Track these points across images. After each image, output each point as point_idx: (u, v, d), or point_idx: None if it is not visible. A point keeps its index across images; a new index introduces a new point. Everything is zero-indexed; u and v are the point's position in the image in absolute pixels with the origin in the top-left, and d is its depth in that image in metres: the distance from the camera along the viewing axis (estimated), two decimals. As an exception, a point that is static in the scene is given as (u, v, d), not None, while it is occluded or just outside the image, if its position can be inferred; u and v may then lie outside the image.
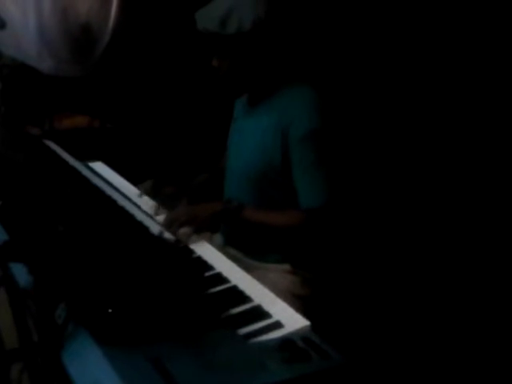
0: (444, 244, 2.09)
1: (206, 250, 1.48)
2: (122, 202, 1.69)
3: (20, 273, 1.18)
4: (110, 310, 0.95)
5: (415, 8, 2.07)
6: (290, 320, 1.14)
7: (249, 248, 1.73)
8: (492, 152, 1.96)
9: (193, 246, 1.49)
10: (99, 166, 2.15)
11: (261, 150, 1.62)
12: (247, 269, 1.39)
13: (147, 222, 1.56)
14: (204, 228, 1.58)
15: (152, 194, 1.87)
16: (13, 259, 1.15)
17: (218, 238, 1.82)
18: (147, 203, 1.79)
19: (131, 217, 1.56)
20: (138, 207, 1.69)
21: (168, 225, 1.56)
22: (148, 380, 0.87)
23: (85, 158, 2.15)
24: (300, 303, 1.55)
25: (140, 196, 1.84)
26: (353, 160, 2.21)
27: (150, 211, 1.71)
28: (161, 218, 1.66)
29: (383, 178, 2.26)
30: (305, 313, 1.17)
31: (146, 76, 3.46)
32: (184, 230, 1.54)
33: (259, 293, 1.25)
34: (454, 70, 2.00)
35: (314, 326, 1.12)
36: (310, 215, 1.57)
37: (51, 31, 3.19)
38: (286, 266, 1.69)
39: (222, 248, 1.73)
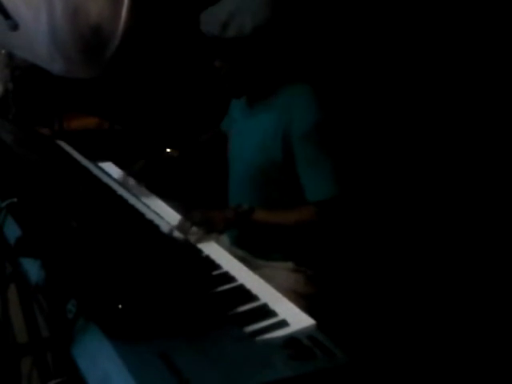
0: (448, 241, 2.10)
1: (214, 250, 1.50)
2: (132, 200, 1.71)
3: (32, 268, 1.20)
4: (119, 306, 0.97)
5: (411, 5, 2.09)
6: (296, 319, 1.15)
7: (254, 248, 1.76)
8: (492, 152, 1.98)
9: (201, 246, 1.51)
10: (109, 166, 2.18)
11: (262, 150, 1.65)
12: (253, 268, 1.41)
13: (157, 220, 1.59)
14: (215, 232, 1.59)
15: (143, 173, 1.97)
16: (26, 254, 1.17)
17: (224, 238, 1.84)
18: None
19: (141, 215, 1.59)
20: (148, 206, 1.72)
21: (181, 224, 1.58)
22: (156, 374, 0.88)
23: (94, 158, 2.17)
24: (304, 302, 1.56)
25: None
26: (358, 153, 2.23)
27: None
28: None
29: (389, 172, 2.27)
30: (309, 311, 1.18)
31: (154, 78, 3.48)
32: (194, 230, 1.56)
33: (265, 292, 1.27)
34: (448, 67, 2.02)
35: (319, 325, 1.13)
36: (319, 208, 1.59)
37: (62, 33, 3.21)
38: (290, 264, 1.72)
39: (228, 248, 1.74)
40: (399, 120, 2.23)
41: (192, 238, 1.53)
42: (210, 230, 1.57)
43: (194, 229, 1.55)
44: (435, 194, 2.15)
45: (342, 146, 1.62)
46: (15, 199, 1.40)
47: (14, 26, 2.24)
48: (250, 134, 1.71)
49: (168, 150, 2.05)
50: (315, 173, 1.58)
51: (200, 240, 1.54)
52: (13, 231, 1.39)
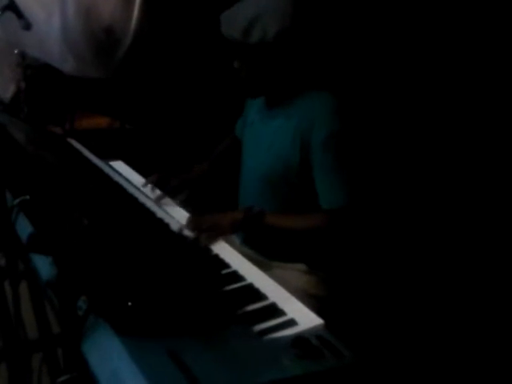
0: (460, 244, 2.09)
1: (223, 249, 1.50)
2: (142, 199, 1.72)
3: (43, 265, 1.21)
4: (129, 303, 0.98)
5: (435, 17, 2.09)
6: (305, 318, 1.16)
7: (265, 248, 1.75)
8: (496, 155, 1.97)
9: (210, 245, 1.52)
10: (119, 165, 2.19)
11: (279, 153, 1.64)
12: (263, 268, 1.41)
13: (168, 219, 1.59)
14: (223, 236, 1.59)
15: (157, 186, 1.94)
16: (38, 251, 1.18)
17: (235, 237, 1.85)
18: (153, 193, 1.87)
19: (152, 214, 1.60)
20: (158, 205, 1.72)
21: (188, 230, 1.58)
22: (165, 371, 0.89)
23: (105, 157, 2.19)
24: (315, 303, 1.56)
25: (145, 186, 1.91)
26: (373, 162, 2.23)
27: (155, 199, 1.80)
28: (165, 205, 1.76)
29: (401, 177, 2.27)
30: (319, 312, 1.18)
31: (165, 78, 3.50)
32: (203, 237, 1.55)
33: (274, 291, 1.27)
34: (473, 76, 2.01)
35: (328, 326, 1.13)
36: (331, 216, 1.58)
37: (75, 33, 3.25)
38: (302, 266, 1.71)
39: (239, 247, 1.75)
40: (418, 130, 2.22)
41: (202, 243, 1.53)
42: (218, 233, 1.57)
43: (203, 235, 1.55)
44: (448, 202, 2.15)
45: (359, 156, 1.62)
46: (27, 197, 1.42)
47: (27, 26, 2.27)
48: (267, 136, 1.70)
49: (196, 165, 2.05)
50: (330, 181, 1.58)
51: (208, 242, 1.54)
52: (25, 228, 1.40)
